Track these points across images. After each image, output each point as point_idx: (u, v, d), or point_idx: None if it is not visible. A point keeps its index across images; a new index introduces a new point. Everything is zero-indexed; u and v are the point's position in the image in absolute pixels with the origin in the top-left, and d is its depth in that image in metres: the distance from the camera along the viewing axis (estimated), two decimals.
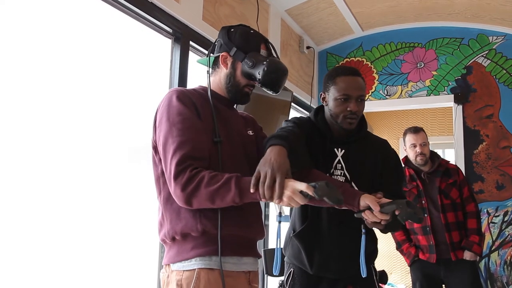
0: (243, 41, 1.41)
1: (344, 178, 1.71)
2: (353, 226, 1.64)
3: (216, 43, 1.46)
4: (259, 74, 1.37)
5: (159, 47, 2.42)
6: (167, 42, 2.43)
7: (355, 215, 1.41)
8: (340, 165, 1.72)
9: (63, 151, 1.85)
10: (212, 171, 1.23)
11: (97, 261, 1.95)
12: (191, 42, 2.49)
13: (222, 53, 1.43)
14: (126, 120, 2.16)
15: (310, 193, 1.15)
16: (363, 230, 1.47)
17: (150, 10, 2.19)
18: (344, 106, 1.67)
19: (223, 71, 1.44)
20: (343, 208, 1.45)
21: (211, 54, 1.47)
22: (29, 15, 1.73)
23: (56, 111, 1.82)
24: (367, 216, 1.35)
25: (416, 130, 2.97)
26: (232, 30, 1.44)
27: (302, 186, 1.17)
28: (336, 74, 1.72)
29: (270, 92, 1.46)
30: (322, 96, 1.78)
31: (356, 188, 1.58)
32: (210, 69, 1.47)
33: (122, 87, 2.15)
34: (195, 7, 2.52)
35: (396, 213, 1.31)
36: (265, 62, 1.37)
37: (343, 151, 1.73)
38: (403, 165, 1.92)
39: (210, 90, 1.42)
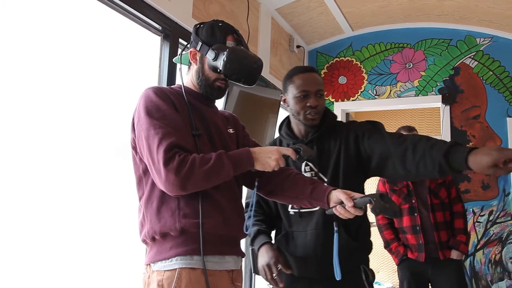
0: (208, 35, 1.39)
1: (314, 173, 1.72)
2: (325, 226, 1.66)
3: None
4: (220, 65, 1.34)
5: (148, 44, 2.41)
6: (157, 40, 2.42)
7: (326, 212, 1.35)
8: (308, 166, 1.74)
9: (51, 149, 1.83)
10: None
11: (86, 260, 1.93)
12: (180, 40, 2.48)
13: (191, 49, 1.43)
14: (115, 117, 2.14)
15: (293, 157, 1.32)
16: (335, 228, 1.36)
17: (140, 7, 2.18)
18: (304, 102, 1.70)
19: (194, 67, 1.44)
20: (314, 206, 1.42)
21: (183, 52, 1.47)
22: (15, 11, 1.70)
23: (43, 108, 1.80)
24: (338, 212, 1.29)
25: (410, 130, 3.01)
26: (201, 25, 1.43)
27: (288, 151, 1.31)
28: (293, 73, 1.76)
29: (241, 84, 1.42)
30: (283, 99, 1.80)
31: (325, 185, 1.54)
32: (186, 66, 1.48)
33: (111, 84, 2.14)
34: (185, 5, 2.51)
35: (370, 207, 1.25)
36: (225, 52, 1.34)
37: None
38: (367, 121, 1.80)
39: (185, 87, 1.41)
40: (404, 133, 2.98)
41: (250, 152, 1.30)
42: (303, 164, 1.74)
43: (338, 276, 1.31)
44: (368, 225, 1.83)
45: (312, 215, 1.71)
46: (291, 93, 1.74)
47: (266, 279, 1.68)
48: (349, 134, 1.72)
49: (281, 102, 1.82)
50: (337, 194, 1.31)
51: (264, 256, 1.69)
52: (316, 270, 1.71)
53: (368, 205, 1.26)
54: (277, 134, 1.95)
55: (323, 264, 1.67)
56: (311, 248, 1.69)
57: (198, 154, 1.24)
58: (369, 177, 1.77)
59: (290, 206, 1.76)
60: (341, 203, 1.29)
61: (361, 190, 1.74)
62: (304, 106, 1.70)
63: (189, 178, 1.19)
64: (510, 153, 1.23)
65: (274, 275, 1.66)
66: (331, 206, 1.33)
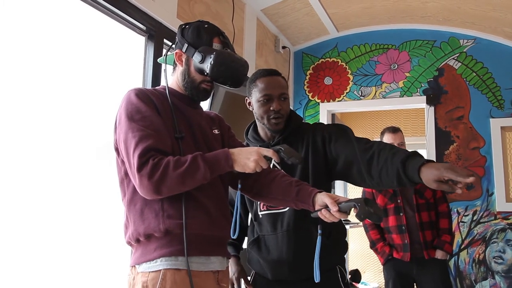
0: (194, 36, 1.38)
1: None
2: (296, 226, 1.66)
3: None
4: (207, 68, 1.34)
5: (133, 44, 2.38)
6: (141, 40, 2.39)
7: (311, 215, 1.34)
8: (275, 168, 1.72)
9: (33, 148, 1.80)
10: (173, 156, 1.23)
11: (70, 262, 1.90)
12: (165, 40, 2.45)
13: (176, 51, 1.42)
14: (99, 118, 2.11)
15: (275, 158, 1.28)
16: (319, 231, 1.35)
17: (124, 7, 2.15)
18: (267, 107, 1.69)
19: (179, 69, 1.43)
20: (300, 208, 1.40)
21: (169, 53, 1.46)
22: None
23: (27, 108, 1.77)
24: (323, 216, 1.28)
25: (395, 130, 3.03)
26: (187, 26, 1.42)
27: (268, 152, 1.27)
28: (256, 77, 1.74)
29: (227, 87, 1.42)
30: (247, 102, 1.79)
31: (311, 187, 1.50)
32: (172, 67, 1.47)
33: (95, 84, 2.11)
34: (170, 5, 2.48)
35: (354, 212, 1.25)
36: (212, 55, 1.33)
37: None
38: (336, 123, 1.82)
39: (170, 88, 1.40)
40: (389, 133, 3.02)
41: (229, 153, 1.27)
42: (270, 165, 1.72)
43: (317, 278, 1.31)
44: (342, 225, 1.83)
45: (282, 216, 1.70)
46: (255, 96, 1.72)
47: None
48: (316, 136, 1.71)
49: (247, 105, 1.81)
50: (322, 198, 1.30)
51: (231, 270, 1.78)
52: (291, 272, 1.69)
53: (352, 209, 1.26)
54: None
55: (298, 266, 1.66)
56: (284, 250, 1.67)
57: (173, 157, 1.22)
58: (333, 180, 1.77)
59: (259, 208, 1.75)
60: (326, 206, 1.28)
61: (329, 191, 1.72)
62: (268, 110, 1.69)
63: (162, 182, 1.18)
64: (454, 174, 1.25)
65: None
66: (316, 209, 1.33)
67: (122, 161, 1.31)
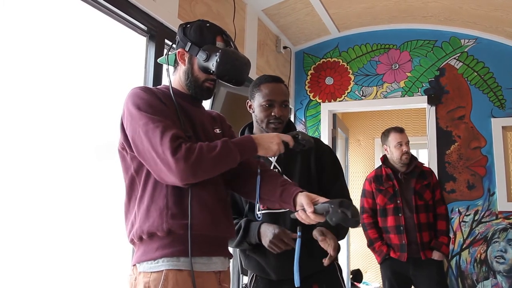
0: (197, 35, 1.39)
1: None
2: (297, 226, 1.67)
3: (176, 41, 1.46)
4: (213, 66, 1.34)
5: (134, 44, 2.38)
6: (142, 40, 2.39)
7: (291, 216, 1.29)
8: (276, 169, 1.75)
9: (34, 148, 1.80)
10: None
11: (71, 263, 1.90)
12: (166, 40, 2.46)
13: (178, 50, 1.42)
14: (100, 118, 2.12)
15: (291, 144, 1.35)
16: (298, 233, 1.35)
17: (125, 7, 2.15)
18: (269, 111, 1.75)
19: (182, 68, 1.43)
20: (285, 208, 1.36)
21: (170, 53, 1.46)
22: None
23: (29, 108, 1.77)
24: (300, 217, 1.23)
25: (401, 130, 3.06)
26: (188, 25, 1.43)
27: (287, 138, 1.36)
28: (260, 82, 1.80)
29: (231, 85, 1.43)
30: (248, 104, 1.85)
31: (295, 187, 1.44)
32: (173, 67, 1.47)
33: (96, 85, 2.11)
34: (171, 5, 2.49)
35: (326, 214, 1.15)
36: (217, 53, 1.34)
37: (276, 157, 1.77)
38: (338, 157, 1.92)
39: (173, 88, 1.40)
40: (396, 133, 3.02)
41: (252, 138, 1.32)
42: (271, 166, 1.76)
43: (297, 283, 1.30)
44: None
45: (284, 215, 1.72)
46: (257, 100, 1.78)
47: (281, 246, 1.61)
48: (323, 154, 1.81)
49: (247, 107, 1.86)
50: (300, 198, 1.27)
51: (269, 229, 1.64)
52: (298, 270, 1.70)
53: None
54: None
55: (303, 263, 1.66)
56: (290, 250, 1.66)
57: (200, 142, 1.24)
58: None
59: (257, 208, 1.76)
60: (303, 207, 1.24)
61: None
62: (269, 115, 1.75)
63: (199, 165, 1.18)
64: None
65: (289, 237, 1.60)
66: (296, 210, 1.27)
67: (132, 159, 1.30)
